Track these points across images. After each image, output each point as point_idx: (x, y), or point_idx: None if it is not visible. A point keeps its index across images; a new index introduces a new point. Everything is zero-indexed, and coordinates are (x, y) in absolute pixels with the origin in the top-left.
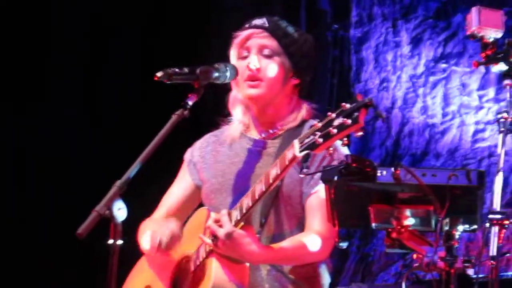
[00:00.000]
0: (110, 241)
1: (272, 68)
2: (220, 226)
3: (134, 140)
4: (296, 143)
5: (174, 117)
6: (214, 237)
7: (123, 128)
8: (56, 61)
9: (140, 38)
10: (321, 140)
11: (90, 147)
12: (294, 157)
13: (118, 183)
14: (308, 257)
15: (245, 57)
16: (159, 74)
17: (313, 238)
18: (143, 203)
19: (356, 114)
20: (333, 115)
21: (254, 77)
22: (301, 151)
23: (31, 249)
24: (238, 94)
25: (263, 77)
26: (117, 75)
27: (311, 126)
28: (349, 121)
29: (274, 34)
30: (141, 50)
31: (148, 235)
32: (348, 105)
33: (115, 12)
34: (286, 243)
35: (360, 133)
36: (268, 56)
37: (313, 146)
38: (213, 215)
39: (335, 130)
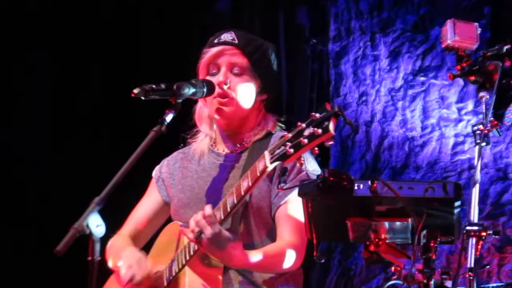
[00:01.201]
0: (89, 258)
1: (242, 87)
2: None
3: (112, 155)
4: (266, 154)
5: (151, 133)
6: (199, 233)
7: (102, 142)
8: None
9: (123, 54)
10: (292, 150)
11: (66, 163)
12: (265, 168)
13: (97, 199)
14: (281, 266)
15: (214, 74)
16: (135, 90)
17: (288, 251)
18: (121, 220)
19: (326, 123)
20: (303, 125)
21: (224, 94)
22: (271, 162)
23: (10, 266)
24: (205, 109)
25: (233, 94)
26: (96, 93)
27: (281, 137)
28: (320, 131)
29: (245, 51)
30: (123, 67)
31: (124, 266)
32: (317, 115)
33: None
34: (263, 251)
35: (331, 142)
36: (238, 75)
37: (284, 156)
38: (202, 212)
39: (305, 140)
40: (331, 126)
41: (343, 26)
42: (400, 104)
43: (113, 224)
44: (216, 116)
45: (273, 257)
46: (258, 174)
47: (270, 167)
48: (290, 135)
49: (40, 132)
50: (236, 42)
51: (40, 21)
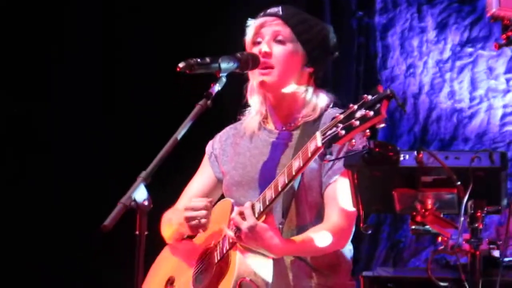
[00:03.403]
0: (136, 232)
1: (284, 54)
2: (244, 218)
3: (158, 131)
4: (318, 134)
5: (197, 107)
6: (237, 229)
7: (147, 119)
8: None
9: (156, 27)
10: (343, 132)
11: (114, 139)
12: (317, 149)
13: (143, 174)
14: (325, 249)
15: (259, 43)
16: (181, 65)
17: (334, 234)
18: (167, 194)
19: (378, 105)
20: (355, 107)
21: (266, 63)
22: (323, 143)
23: (56, 241)
24: (254, 83)
25: (275, 63)
26: (135, 66)
27: (333, 118)
28: (371, 113)
29: (288, 22)
30: (158, 40)
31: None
32: (369, 97)
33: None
34: (305, 236)
35: (383, 125)
36: (281, 42)
37: (335, 138)
38: (236, 208)
39: (357, 122)
40: (383, 109)
41: None
42: (448, 75)
43: (161, 197)
44: (260, 89)
45: (317, 241)
46: (310, 154)
47: (322, 147)
48: (341, 116)
49: (86, 108)
50: (280, 13)
51: None
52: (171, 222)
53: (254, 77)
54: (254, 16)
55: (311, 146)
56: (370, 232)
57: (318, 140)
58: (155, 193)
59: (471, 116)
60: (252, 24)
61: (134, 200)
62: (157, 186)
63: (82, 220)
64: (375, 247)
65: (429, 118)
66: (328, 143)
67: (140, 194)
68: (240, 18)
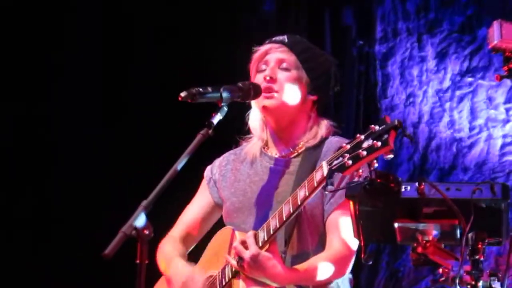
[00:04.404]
0: (137, 261)
1: (288, 82)
2: (246, 247)
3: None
4: (324, 164)
5: (199, 137)
6: (240, 258)
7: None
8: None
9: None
10: (350, 162)
11: (114, 167)
12: (323, 179)
13: (145, 202)
14: (328, 278)
15: (263, 71)
16: (183, 94)
17: (336, 262)
18: (169, 222)
19: (385, 136)
20: (362, 137)
21: (270, 89)
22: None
23: (56, 268)
24: (257, 112)
25: (279, 89)
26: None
27: (339, 148)
28: (379, 144)
29: (293, 49)
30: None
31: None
32: (377, 127)
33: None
34: (308, 264)
35: (390, 156)
36: (286, 69)
37: (342, 168)
38: (238, 235)
39: (364, 153)
40: (391, 139)
41: (390, 28)
42: (447, 105)
43: (161, 226)
44: (263, 113)
45: (320, 270)
46: (316, 184)
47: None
48: (348, 146)
49: (87, 135)
50: (286, 41)
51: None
52: (166, 267)
53: (258, 102)
54: (259, 42)
55: (317, 175)
56: (370, 262)
57: (324, 170)
58: (156, 220)
59: (471, 146)
60: (257, 51)
61: (135, 229)
62: (158, 214)
63: (83, 248)
64: (375, 276)
65: (429, 147)
66: (334, 172)
67: (141, 222)
68: (248, 49)
